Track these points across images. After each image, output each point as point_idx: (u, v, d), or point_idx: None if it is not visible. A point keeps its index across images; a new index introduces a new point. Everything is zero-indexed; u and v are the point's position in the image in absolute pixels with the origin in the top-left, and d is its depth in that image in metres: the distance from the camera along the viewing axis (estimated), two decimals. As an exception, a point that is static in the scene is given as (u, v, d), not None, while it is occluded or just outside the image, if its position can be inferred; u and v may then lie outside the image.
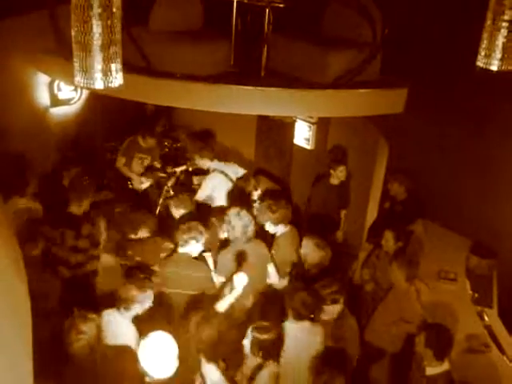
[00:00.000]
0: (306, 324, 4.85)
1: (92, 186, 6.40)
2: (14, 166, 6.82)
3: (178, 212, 6.37)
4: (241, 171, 7.52)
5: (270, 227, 6.11)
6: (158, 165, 8.18)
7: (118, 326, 4.65)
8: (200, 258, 5.71)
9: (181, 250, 5.52)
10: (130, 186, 8.15)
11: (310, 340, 4.87)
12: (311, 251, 5.61)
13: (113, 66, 2.87)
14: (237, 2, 6.11)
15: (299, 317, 4.83)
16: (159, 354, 4.05)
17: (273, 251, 6.21)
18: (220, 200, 7.07)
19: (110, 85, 2.88)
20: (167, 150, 9.21)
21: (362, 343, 5.52)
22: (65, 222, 5.96)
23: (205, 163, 7.38)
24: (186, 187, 7.71)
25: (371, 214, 7.72)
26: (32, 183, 6.57)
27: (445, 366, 4.55)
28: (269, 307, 5.69)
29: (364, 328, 5.74)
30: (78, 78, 2.87)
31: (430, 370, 4.56)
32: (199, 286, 5.41)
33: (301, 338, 4.85)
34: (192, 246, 5.51)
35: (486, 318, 6.15)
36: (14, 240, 3.49)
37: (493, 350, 5.71)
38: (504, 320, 6.15)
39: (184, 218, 6.11)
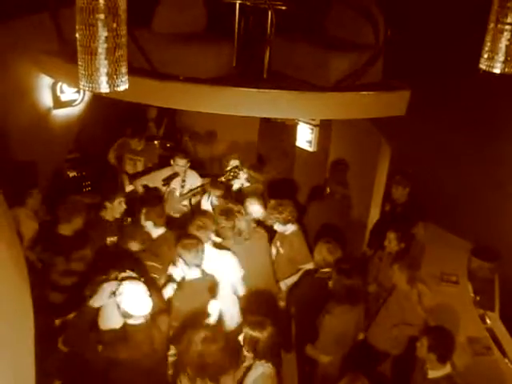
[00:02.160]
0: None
1: (82, 204, 6.06)
2: (18, 172, 6.86)
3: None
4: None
5: (278, 227, 6.25)
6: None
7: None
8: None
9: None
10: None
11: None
12: (325, 256, 5.64)
13: (118, 70, 2.86)
14: (239, 4, 6.11)
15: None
16: (135, 295, 4.39)
17: (281, 250, 6.33)
18: None
19: (115, 89, 2.87)
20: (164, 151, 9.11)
21: (364, 345, 5.53)
22: (55, 243, 5.76)
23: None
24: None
25: (373, 216, 7.72)
26: (34, 196, 6.53)
27: (447, 369, 4.54)
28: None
29: (366, 330, 5.75)
30: (83, 82, 2.85)
31: (433, 373, 4.56)
32: None
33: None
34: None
35: (488, 321, 6.14)
36: (17, 243, 3.50)
37: (495, 352, 5.70)
38: (506, 323, 6.15)
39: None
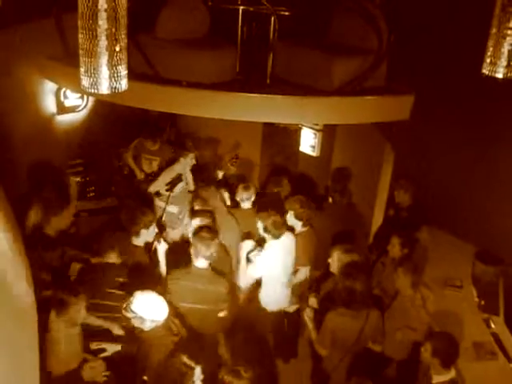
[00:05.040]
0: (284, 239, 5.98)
1: (61, 203, 6.15)
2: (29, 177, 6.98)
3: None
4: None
5: (291, 219, 6.32)
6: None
7: None
8: (216, 271, 5.57)
9: None
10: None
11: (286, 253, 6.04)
12: (342, 259, 5.66)
13: (118, 72, 2.94)
14: (243, 9, 6.13)
15: (274, 236, 5.88)
16: (151, 303, 4.64)
17: None
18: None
19: (114, 90, 2.96)
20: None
21: (368, 350, 5.51)
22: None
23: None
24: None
25: (377, 221, 7.70)
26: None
27: (451, 373, 4.54)
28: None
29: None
30: (84, 83, 2.95)
31: (437, 378, 4.56)
32: (214, 301, 5.38)
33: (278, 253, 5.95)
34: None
35: (493, 326, 6.13)
36: (21, 245, 3.50)
37: (499, 357, 5.69)
38: (511, 327, 6.13)
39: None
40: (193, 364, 4.31)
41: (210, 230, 5.48)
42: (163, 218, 7.43)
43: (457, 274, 6.93)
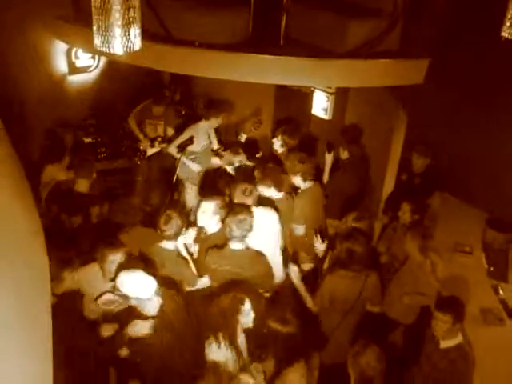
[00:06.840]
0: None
1: (92, 164, 6.49)
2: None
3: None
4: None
5: (296, 180, 6.26)
6: (170, 132, 8.11)
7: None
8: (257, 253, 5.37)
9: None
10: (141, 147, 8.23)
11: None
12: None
13: (131, 31, 2.86)
14: (256, -31, 6.03)
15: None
16: (135, 280, 4.45)
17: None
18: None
19: (128, 49, 2.87)
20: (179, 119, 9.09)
21: (376, 314, 5.54)
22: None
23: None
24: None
25: (388, 186, 7.67)
26: (66, 155, 6.68)
27: (458, 338, 4.57)
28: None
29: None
30: (97, 42, 2.86)
31: (444, 343, 4.59)
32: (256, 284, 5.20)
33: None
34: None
35: (501, 292, 6.15)
36: (35, 211, 3.51)
37: (507, 323, 5.72)
38: (519, 294, 6.15)
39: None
40: (245, 298, 4.37)
41: (242, 208, 5.24)
42: (179, 174, 7.45)
43: (467, 240, 6.92)
